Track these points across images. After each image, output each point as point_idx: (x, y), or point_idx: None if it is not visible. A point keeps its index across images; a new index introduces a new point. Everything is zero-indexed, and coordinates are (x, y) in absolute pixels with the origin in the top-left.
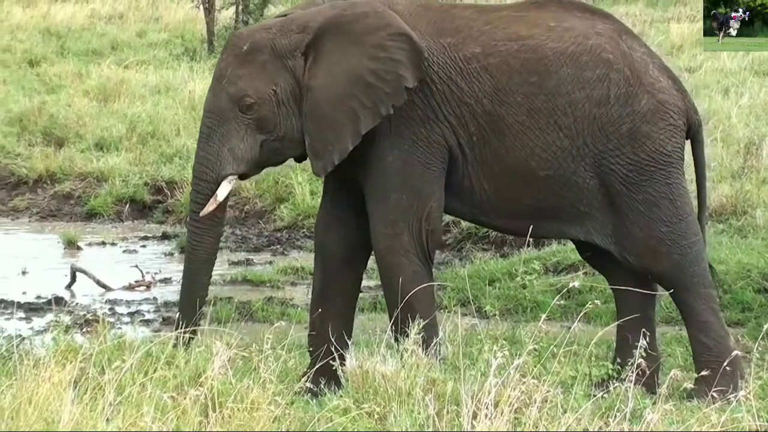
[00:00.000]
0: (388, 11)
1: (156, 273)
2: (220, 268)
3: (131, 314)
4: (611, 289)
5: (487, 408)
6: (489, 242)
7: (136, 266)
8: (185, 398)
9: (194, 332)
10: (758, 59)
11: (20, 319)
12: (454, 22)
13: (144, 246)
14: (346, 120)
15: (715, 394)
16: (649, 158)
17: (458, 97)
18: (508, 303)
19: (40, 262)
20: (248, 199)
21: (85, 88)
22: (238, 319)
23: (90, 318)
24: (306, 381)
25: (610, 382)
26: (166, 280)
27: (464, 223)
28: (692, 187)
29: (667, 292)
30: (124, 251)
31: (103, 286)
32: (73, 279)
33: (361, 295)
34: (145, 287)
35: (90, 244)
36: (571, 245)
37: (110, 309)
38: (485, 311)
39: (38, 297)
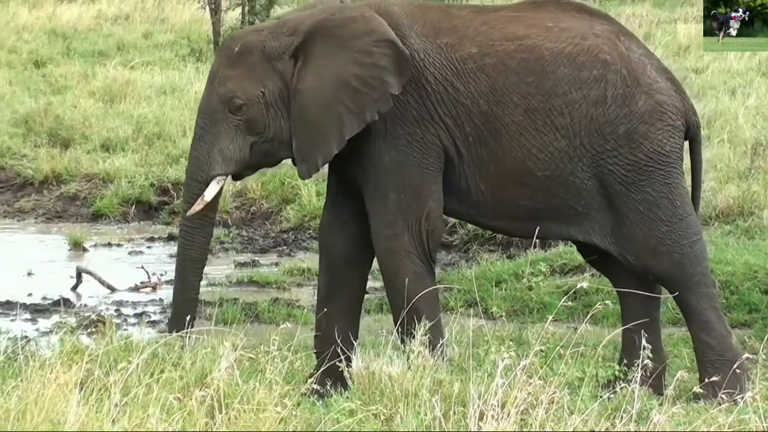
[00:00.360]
0: (376, 17)
1: (162, 274)
2: (227, 269)
3: (137, 315)
4: (616, 291)
5: (493, 409)
6: (495, 243)
7: (142, 267)
8: (191, 399)
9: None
10: (765, 60)
11: (26, 320)
12: (452, 22)
13: (150, 247)
14: (332, 124)
15: (723, 396)
16: (647, 158)
17: (454, 97)
18: (515, 304)
19: (45, 263)
20: (254, 201)
21: (91, 89)
22: (244, 321)
23: (96, 319)
24: (312, 382)
25: (617, 383)
26: (172, 282)
27: (470, 225)
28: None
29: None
30: (130, 252)
31: (109, 287)
32: (79, 280)
33: (367, 296)
34: (151, 288)
35: (96, 246)
36: None
37: (116, 310)
38: (492, 312)
39: (44, 298)
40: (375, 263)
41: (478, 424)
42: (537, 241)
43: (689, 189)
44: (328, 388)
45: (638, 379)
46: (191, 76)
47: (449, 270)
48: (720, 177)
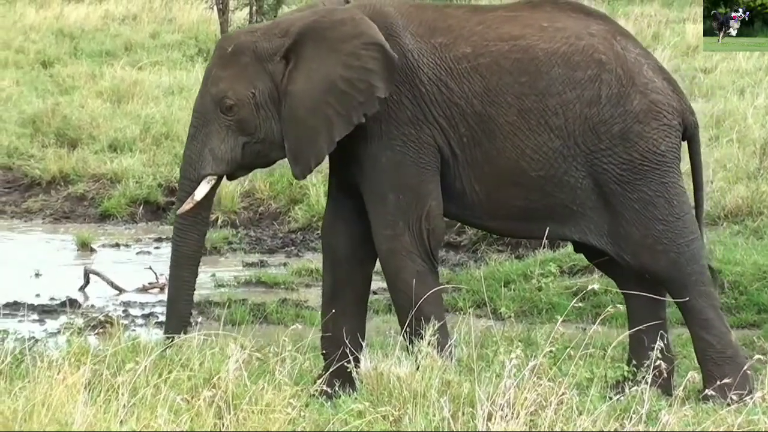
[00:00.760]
0: (365, 19)
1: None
2: (235, 270)
3: (145, 316)
4: (621, 292)
5: (502, 410)
6: (504, 244)
7: (150, 268)
8: (200, 400)
9: (184, 331)
10: None
11: (33, 321)
12: (447, 22)
13: (158, 248)
14: (322, 126)
15: (733, 396)
16: (642, 158)
17: (448, 97)
18: (524, 305)
19: (53, 263)
20: (262, 201)
21: (99, 89)
22: (253, 321)
23: (103, 320)
24: (321, 383)
25: (626, 384)
26: None
27: None
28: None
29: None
30: (138, 253)
31: (117, 287)
32: (87, 281)
33: (375, 297)
34: (158, 289)
35: (103, 246)
36: None
37: (124, 311)
38: (500, 313)
39: (52, 299)
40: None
41: (487, 425)
42: (546, 241)
43: (690, 189)
44: (337, 389)
45: (649, 379)
46: (199, 76)
47: (458, 270)
48: (729, 177)
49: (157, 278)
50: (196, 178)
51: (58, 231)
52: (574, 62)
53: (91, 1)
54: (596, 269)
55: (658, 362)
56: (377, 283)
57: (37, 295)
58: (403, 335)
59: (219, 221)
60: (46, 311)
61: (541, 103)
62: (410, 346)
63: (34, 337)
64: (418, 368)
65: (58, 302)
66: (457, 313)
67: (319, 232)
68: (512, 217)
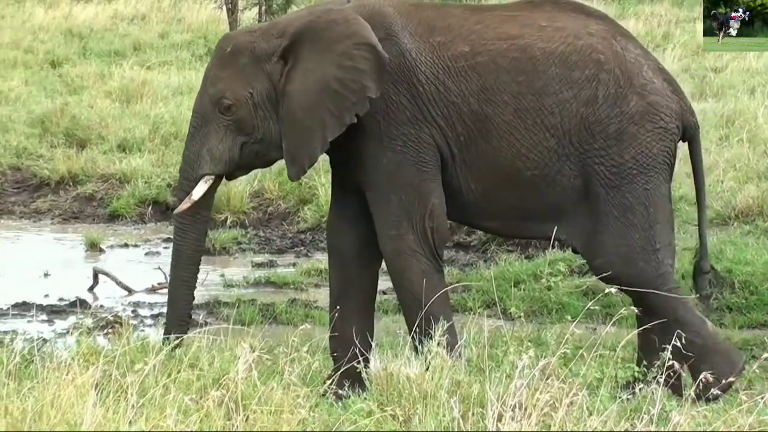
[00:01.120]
0: (358, 19)
1: None
2: (244, 270)
3: (154, 316)
4: (627, 291)
5: (512, 410)
6: (514, 244)
7: (159, 268)
8: (209, 401)
9: (184, 331)
10: None
11: (42, 321)
12: (446, 21)
13: (167, 248)
14: (316, 127)
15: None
16: (633, 160)
17: (445, 96)
18: (533, 305)
19: (62, 264)
20: (272, 201)
21: (108, 89)
22: (262, 322)
23: (112, 320)
24: (330, 384)
25: (636, 384)
26: None
27: None
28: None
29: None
30: (147, 253)
31: (126, 288)
32: (96, 281)
33: (384, 297)
34: (167, 289)
35: (112, 246)
36: None
37: (133, 311)
38: (510, 313)
39: (60, 299)
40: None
41: (497, 425)
42: (555, 241)
43: (692, 191)
44: (347, 389)
45: (661, 380)
46: None
47: (468, 270)
48: (739, 177)
49: (166, 278)
50: (194, 177)
51: (67, 231)
52: (571, 62)
53: (100, 0)
54: None
55: (670, 362)
56: (386, 283)
57: (46, 296)
58: (412, 335)
59: (228, 221)
60: (55, 311)
61: (537, 102)
62: (419, 346)
63: (43, 338)
64: (427, 368)
65: (67, 302)
66: (467, 313)
67: None
68: (508, 217)
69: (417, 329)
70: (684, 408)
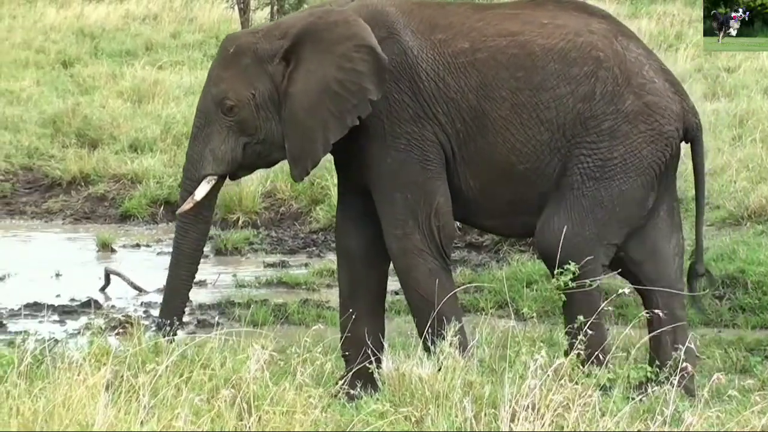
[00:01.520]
0: (358, 21)
1: None
2: (256, 270)
3: None
4: (635, 289)
5: (525, 411)
6: (526, 244)
7: None
8: (221, 401)
9: (178, 327)
10: None
11: (54, 321)
12: (448, 19)
13: None
14: (318, 128)
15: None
16: (620, 158)
17: (445, 93)
18: (546, 305)
19: (73, 264)
20: (284, 201)
21: (119, 89)
22: (274, 322)
23: (124, 320)
24: (343, 384)
25: (649, 385)
26: (201, 283)
27: None
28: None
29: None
30: (159, 253)
31: (138, 288)
32: (107, 281)
33: (396, 297)
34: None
35: (124, 246)
36: None
37: (144, 311)
38: (523, 313)
39: (72, 299)
40: None
41: (510, 426)
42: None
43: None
44: (359, 390)
45: (675, 381)
46: None
47: (480, 271)
48: (752, 177)
49: None
50: (197, 177)
51: (79, 231)
52: (570, 58)
53: (112, 0)
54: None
55: (682, 363)
56: (397, 283)
57: (58, 296)
58: (427, 335)
59: (240, 222)
60: (66, 312)
61: (534, 98)
62: (432, 346)
63: (54, 338)
64: (440, 369)
65: (78, 303)
66: (479, 313)
67: None
68: (505, 214)
69: (428, 329)
70: (697, 409)
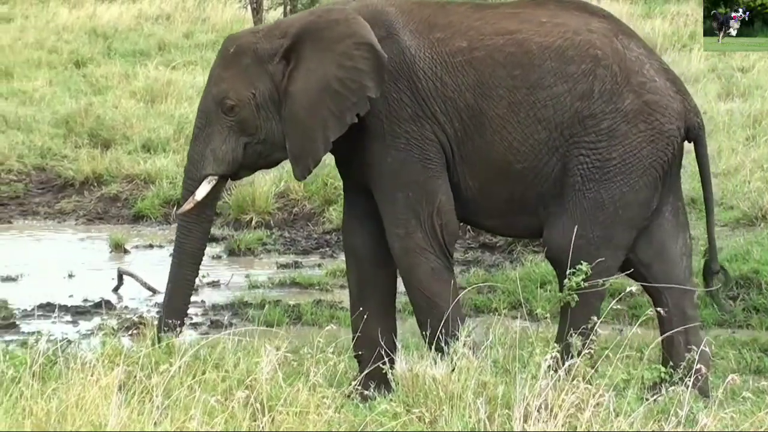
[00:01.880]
0: (358, 19)
1: (203, 276)
2: (269, 271)
3: None
4: (644, 288)
5: (538, 411)
6: (540, 244)
7: None
8: (234, 402)
9: (180, 327)
10: None
11: (67, 322)
12: (447, 18)
13: None
14: (318, 127)
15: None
16: (619, 158)
17: (442, 92)
18: (559, 306)
19: (86, 265)
20: (297, 202)
21: (132, 89)
22: (287, 322)
23: (137, 321)
24: (356, 385)
25: (663, 385)
26: (214, 283)
27: None
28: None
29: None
30: (172, 254)
31: (151, 289)
32: (120, 282)
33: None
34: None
35: (137, 247)
36: None
37: (157, 312)
38: (536, 314)
39: (85, 300)
40: None
41: (523, 426)
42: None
43: (720, 191)
44: (372, 390)
45: (689, 382)
46: None
47: (493, 271)
48: (767, 177)
49: None
50: (198, 177)
51: (92, 232)
52: (568, 56)
53: (124, 0)
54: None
55: (696, 364)
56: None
57: (71, 296)
58: (423, 333)
59: (253, 222)
60: (79, 312)
61: (531, 96)
62: (436, 346)
63: (67, 339)
64: (453, 369)
65: (91, 303)
66: (493, 314)
67: None
68: (503, 213)
69: (428, 328)
70: (711, 410)
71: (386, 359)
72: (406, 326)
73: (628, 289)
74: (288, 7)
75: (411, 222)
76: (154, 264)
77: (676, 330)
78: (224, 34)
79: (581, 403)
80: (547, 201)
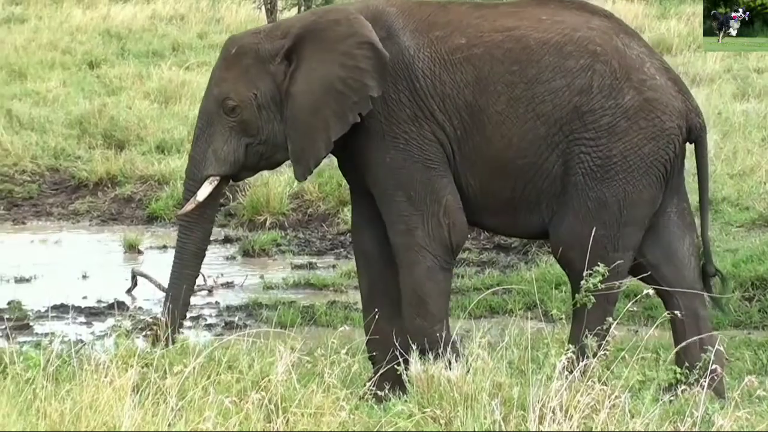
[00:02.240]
0: (360, 18)
1: (218, 277)
2: (283, 272)
3: (193, 318)
4: (656, 290)
5: (553, 412)
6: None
7: None
8: (248, 403)
9: (179, 327)
10: None
11: (81, 323)
12: (447, 17)
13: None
14: (320, 127)
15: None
16: (620, 155)
17: (441, 90)
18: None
19: (100, 265)
20: (311, 202)
21: (146, 90)
22: (301, 323)
23: (151, 322)
24: (370, 386)
25: (678, 387)
26: (228, 284)
27: None
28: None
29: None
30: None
31: (164, 290)
32: (134, 283)
33: None
34: (206, 291)
35: (151, 248)
36: None
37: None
38: (551, 315)
39: (99, 301)
40: None
41: (539, 427)
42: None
43: (735, 191)
44: (387, 391)
45: (705, 383)
46: None
47: (508, 272)
48: None
49: (204, 280)
50: (199, 178)
51: (105, 233)
52: (566, 51)
53: (138, 1)
54: None
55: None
56: None
57: (85, 297)
58: (406, 328)
59: (267, 223)
60: (93, 313)
61: (529, 91)
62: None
63: (81, 340)
64: (468, 371)
65: (105, 304)
66: (508, 315)
67: None
68: (504, 212)
69: (413, 327)
70: (727, 411)
71: (401, 360)
72: None
73: (645, 292)
74: (302, 8)
75: (412, 219)
76: (167, 265)
77: (690, 334)
78: None
79: (596, 404)
80: (550, 200)
